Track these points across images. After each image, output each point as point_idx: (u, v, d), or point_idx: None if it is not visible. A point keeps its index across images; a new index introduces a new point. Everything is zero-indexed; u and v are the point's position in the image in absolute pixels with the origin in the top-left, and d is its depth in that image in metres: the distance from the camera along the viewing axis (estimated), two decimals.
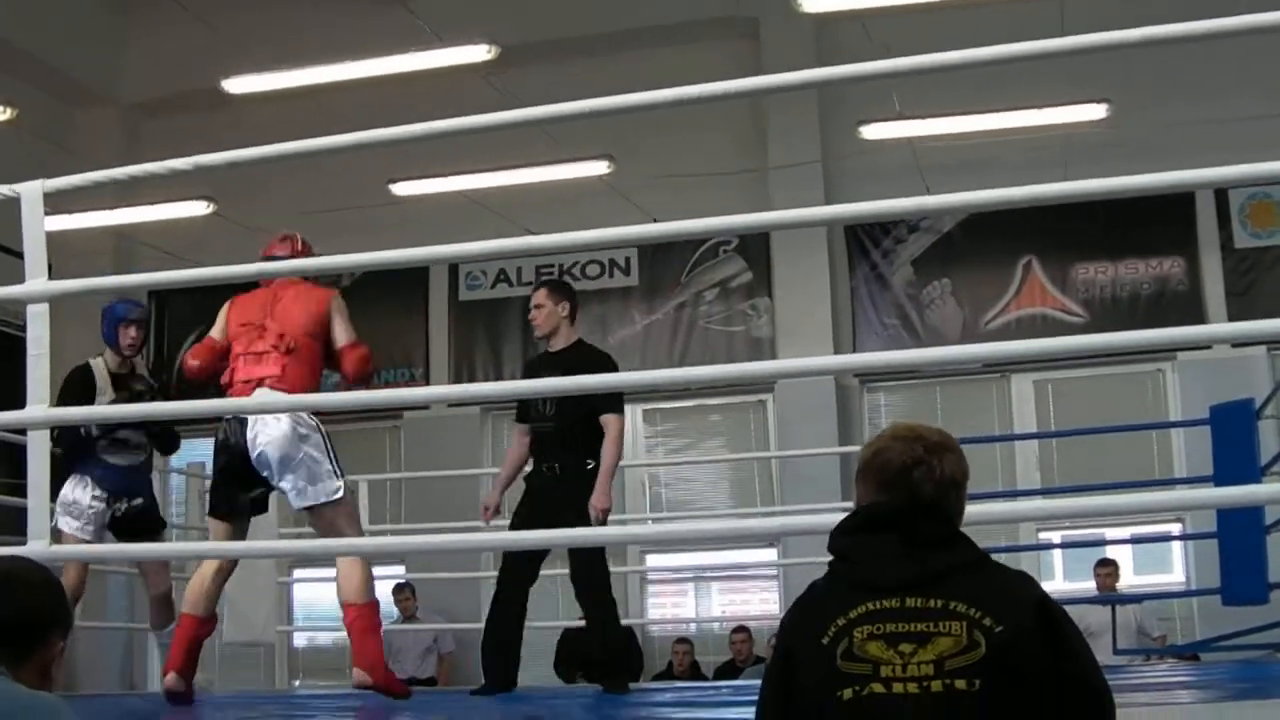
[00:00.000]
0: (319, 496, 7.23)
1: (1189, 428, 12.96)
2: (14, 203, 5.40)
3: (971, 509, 3.45)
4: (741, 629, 13.94)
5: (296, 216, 15.22)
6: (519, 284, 16.17)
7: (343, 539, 7.23)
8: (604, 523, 8.22)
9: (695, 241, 15.58)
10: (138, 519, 9.05)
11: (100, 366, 9.01)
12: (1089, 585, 13.67)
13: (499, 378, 15.66)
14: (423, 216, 14.71)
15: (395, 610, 14.48)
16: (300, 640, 16.05)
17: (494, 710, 7.58)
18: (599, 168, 14.95)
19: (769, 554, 15.20)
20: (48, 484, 5.19)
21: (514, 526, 8.42)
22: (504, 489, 8.79)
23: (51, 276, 5.45)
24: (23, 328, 5.33)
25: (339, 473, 7.30)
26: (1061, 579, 15.10)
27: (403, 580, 14.57)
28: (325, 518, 7.29)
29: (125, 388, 9.03)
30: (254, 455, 7.23)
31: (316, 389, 7.57)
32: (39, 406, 5.21)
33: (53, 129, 15.67)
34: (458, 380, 15.82)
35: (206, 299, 16.69)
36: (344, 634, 7.82)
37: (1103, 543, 13.69)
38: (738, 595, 15.66)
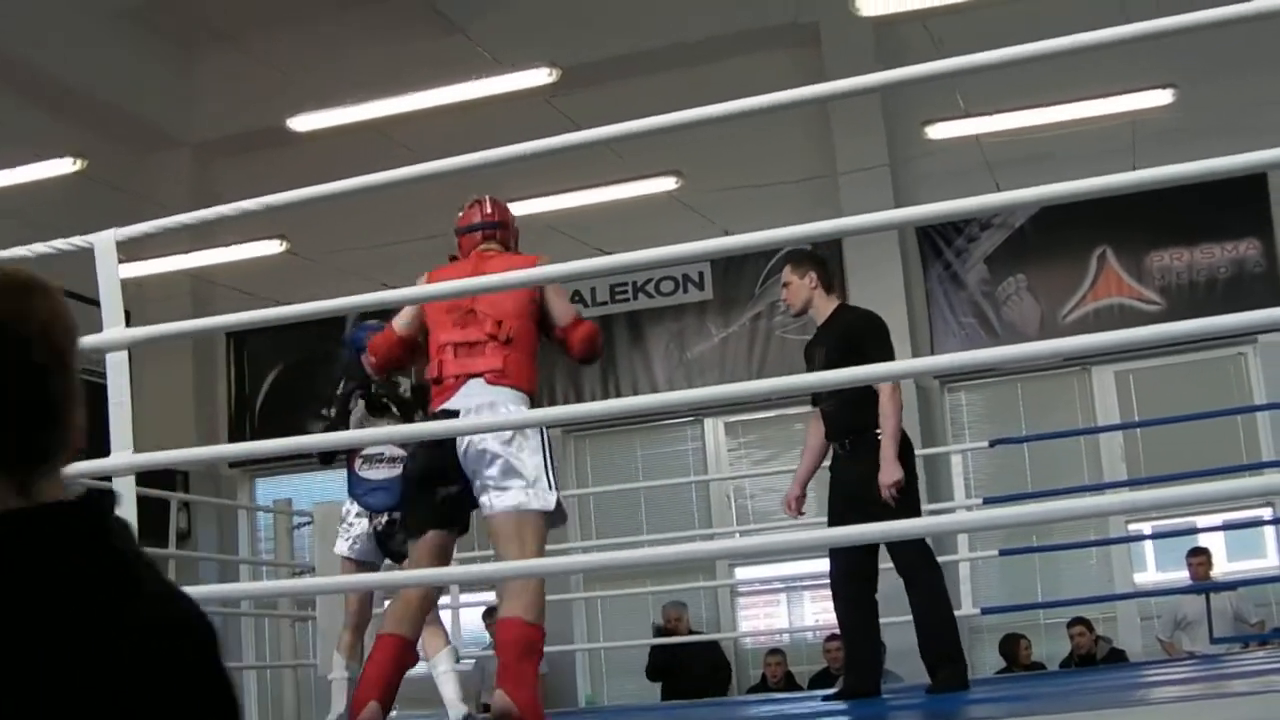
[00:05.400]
0: (532, 503, 6.22)
1: (1274, 410, 12.86)
2: (89, 252, 5.44)
3: (1059, 504, 3.33)
4: (835, 637, 13.82)
5: (369, 249, 15.36)
6: (593, 304, 16.18)
7: (528, 560, 6.13)
8: (897, 500, 7.58)
9: (768, 252, 15.56)
10: (397, 535, 8.40)
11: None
12: (1183, 575, 13.59)
13: (579, 399, 15.67)
14: None
15: (487, 635, 14.54)
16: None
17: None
18: (667, 183, 14.94)
19: None
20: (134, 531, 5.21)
21: (831, 524, 8.02)
22: (805, 480, 8.43)
23: (132, 322, 5.48)
24: (104, 375, 5.35)
25: (554, 485, 6.32)
26: (1154, 570, 15.02)
27: (493, 605, 14.62)
28: (517, 525, 6.22)
29: (377, 404, 8.74)
30: (461, 449, 6.28)
31: (536, 380, 6.61)
32: (123, 453, 5.24)
33: (124, 175, 15.82)
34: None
35: (284, 337, 16.93)
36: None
37: (1194, 531, 13.58)
38: (831, 603, 15.60)
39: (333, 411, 8.91)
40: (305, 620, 12.42)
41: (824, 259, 8.26)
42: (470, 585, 13.52)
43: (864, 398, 7.70)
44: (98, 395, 5.68)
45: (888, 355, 7.81)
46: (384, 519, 8.56)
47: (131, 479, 5.30)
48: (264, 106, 15.41)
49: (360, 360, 8.49)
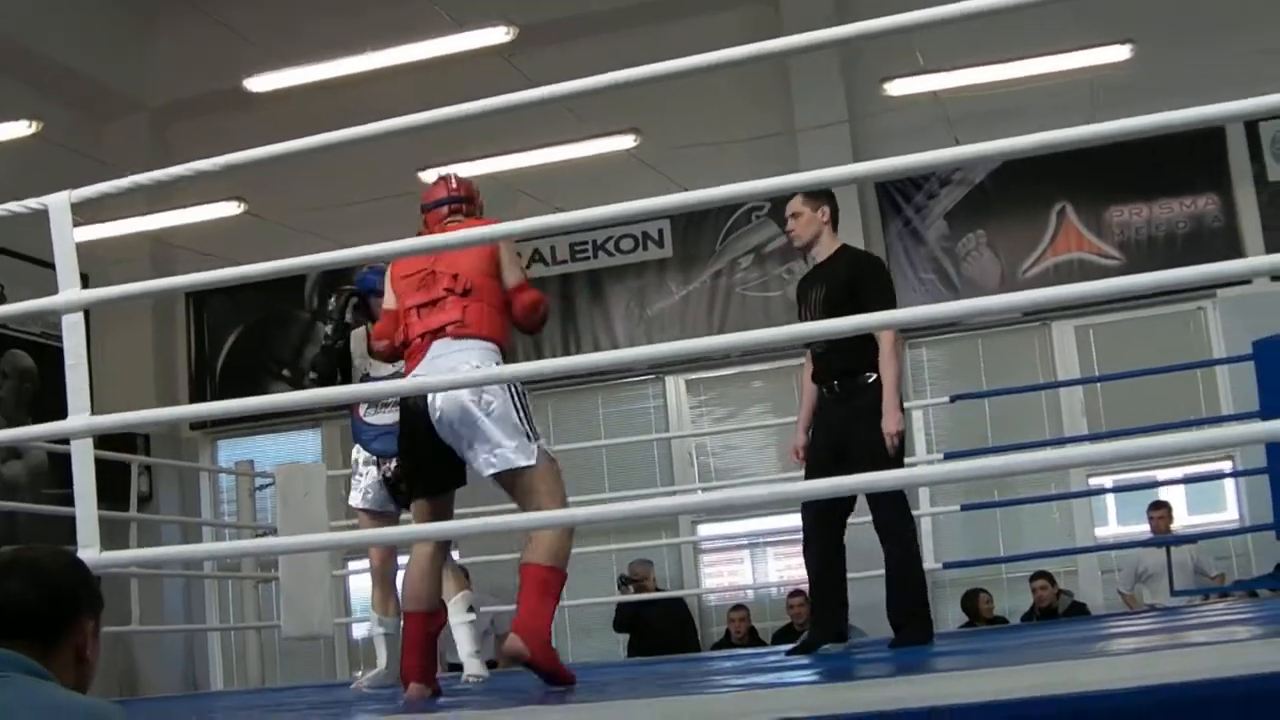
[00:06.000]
0: (509, 462, 6.23)
1: (1233, 364, 12.90)
2: (45, 215, 5.40)
3: (1020, 457, 3.31)
4: (798, 593, 13.89)
5: (327, 210, 15.29)
6: (554, 263, 16.21)
7: (539, 512, 6.24)
8: (899, 449, 7.47)
9: (727, 209, 15.57)
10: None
11: (360, 335, 8.73)
12: (1143, 529, 13.67)
13: (540, 356, 15.66)
14: None
15: None
16: (360, 632, 16.08)
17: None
18: (626, 141, 14.94)
19: None
20: (94, 493, 5.18)
21: (810, 472, 7.76)
22: (808, 426, 8.02)
23: (91, 285, 5.45)
24: (61, 338, 5.31)
25: (534, 434, 6.31)
26: (1115, 524, 15.09)
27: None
28: (520, 486, 6.33)
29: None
30: (435, 419, 6.30)
31: (507, 333, 6.58)
32: (80, 416, 5.21)
33: (81, 139, 15.71)
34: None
35: (244, 298, 16.87)
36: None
37: (1154, 484, 13.66)
38: (794, 559, 15.66)
39: (336, 340, 8.76)
40: (268, 582, 12.41)
41: (834, 195, 8.02)
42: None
43: (858, 340, 7.51)
44: (55, 358, 5.66)
45: (889, 302, 7.62)
46: (393, 464, 8.37)
47: (89, 441, 5.26)
48: (221, 69, 15.27)
49: (370, 302, 8.46)
